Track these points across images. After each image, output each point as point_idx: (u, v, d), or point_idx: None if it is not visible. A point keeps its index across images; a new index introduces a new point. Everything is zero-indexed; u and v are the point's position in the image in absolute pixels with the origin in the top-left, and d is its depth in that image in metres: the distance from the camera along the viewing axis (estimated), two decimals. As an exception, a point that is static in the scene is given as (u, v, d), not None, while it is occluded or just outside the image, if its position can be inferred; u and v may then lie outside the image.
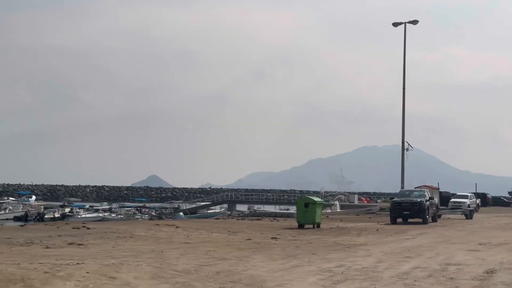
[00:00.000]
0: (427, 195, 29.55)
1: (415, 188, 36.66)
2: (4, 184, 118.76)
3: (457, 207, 43.88)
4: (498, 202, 67.00)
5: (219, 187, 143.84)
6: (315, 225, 23.61)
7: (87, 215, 55.31)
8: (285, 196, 69.04)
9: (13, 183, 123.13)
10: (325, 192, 57.11)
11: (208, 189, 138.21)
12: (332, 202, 47.63)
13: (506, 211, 51.13)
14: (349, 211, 41.37)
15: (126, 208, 59.89)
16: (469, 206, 45.54)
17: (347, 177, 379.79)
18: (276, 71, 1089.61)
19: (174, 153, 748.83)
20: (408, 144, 38.61)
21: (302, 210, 23.45)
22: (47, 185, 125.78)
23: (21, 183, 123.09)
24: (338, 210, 41.87)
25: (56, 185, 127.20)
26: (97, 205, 79.31)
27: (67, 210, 56.97)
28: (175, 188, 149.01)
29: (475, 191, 48.01)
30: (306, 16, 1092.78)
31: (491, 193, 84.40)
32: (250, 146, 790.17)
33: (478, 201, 50.87)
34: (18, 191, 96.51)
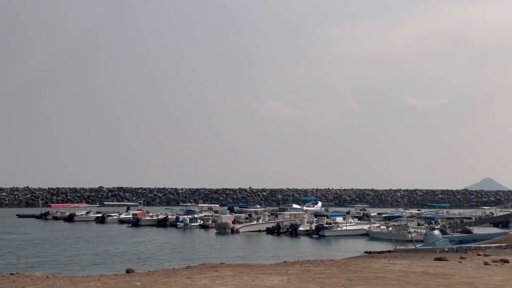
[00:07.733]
0: None
1: None
2: (313, 189, 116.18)
3: None
4: None
5: None
6: None
7: (348, 228, 44.18)
8: None
9: (323, 187, 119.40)
10: None
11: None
12: None
13: None
14: None
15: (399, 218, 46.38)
16: None
17: None
18: None
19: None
20: None
21: None
22: (356, 189, 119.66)
23: (329, 188, 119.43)
24: None
25: (365, 189, 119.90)
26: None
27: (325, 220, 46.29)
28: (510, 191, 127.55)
29: None
30: None
31: None
32: None
33: None
34: (304, 196, 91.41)
